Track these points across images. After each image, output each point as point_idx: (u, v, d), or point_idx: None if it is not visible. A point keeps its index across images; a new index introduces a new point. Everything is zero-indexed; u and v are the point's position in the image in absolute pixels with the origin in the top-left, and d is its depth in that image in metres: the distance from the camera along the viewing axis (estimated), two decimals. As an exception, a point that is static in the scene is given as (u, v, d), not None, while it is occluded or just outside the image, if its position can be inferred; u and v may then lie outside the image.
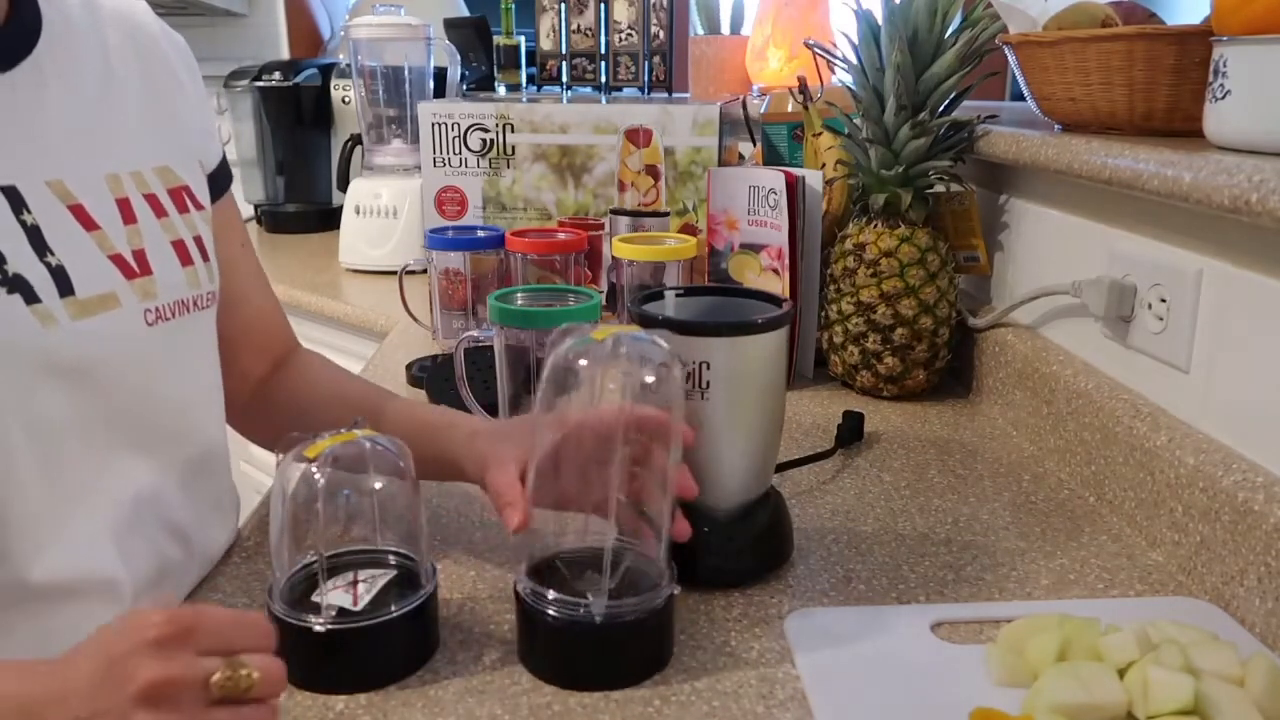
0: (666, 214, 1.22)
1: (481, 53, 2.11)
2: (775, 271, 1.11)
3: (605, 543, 0.60)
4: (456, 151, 1.26)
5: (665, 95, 1.80)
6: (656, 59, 1.81)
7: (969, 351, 1.11)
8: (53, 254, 0.59)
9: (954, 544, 0.76)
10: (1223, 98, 0.71)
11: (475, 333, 0.89)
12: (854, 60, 1.05)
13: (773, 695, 0.58)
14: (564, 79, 1.85)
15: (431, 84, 1.93)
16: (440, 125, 1.25)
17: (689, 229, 1.22)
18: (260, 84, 2.18)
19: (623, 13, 1.78)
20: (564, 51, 1.83)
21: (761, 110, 1.36)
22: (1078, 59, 0.86)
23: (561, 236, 1.15)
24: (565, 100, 1.48)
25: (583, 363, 0.60)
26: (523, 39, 1.95)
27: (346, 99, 2.17)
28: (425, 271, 1.26)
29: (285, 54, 2.50)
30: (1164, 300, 0.78)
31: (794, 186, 1.08)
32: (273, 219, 2.29)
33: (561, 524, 0.64)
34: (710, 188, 1.17)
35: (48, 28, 0.64)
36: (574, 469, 0.63)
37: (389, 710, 0.56)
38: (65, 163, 0.62)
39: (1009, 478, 0.89)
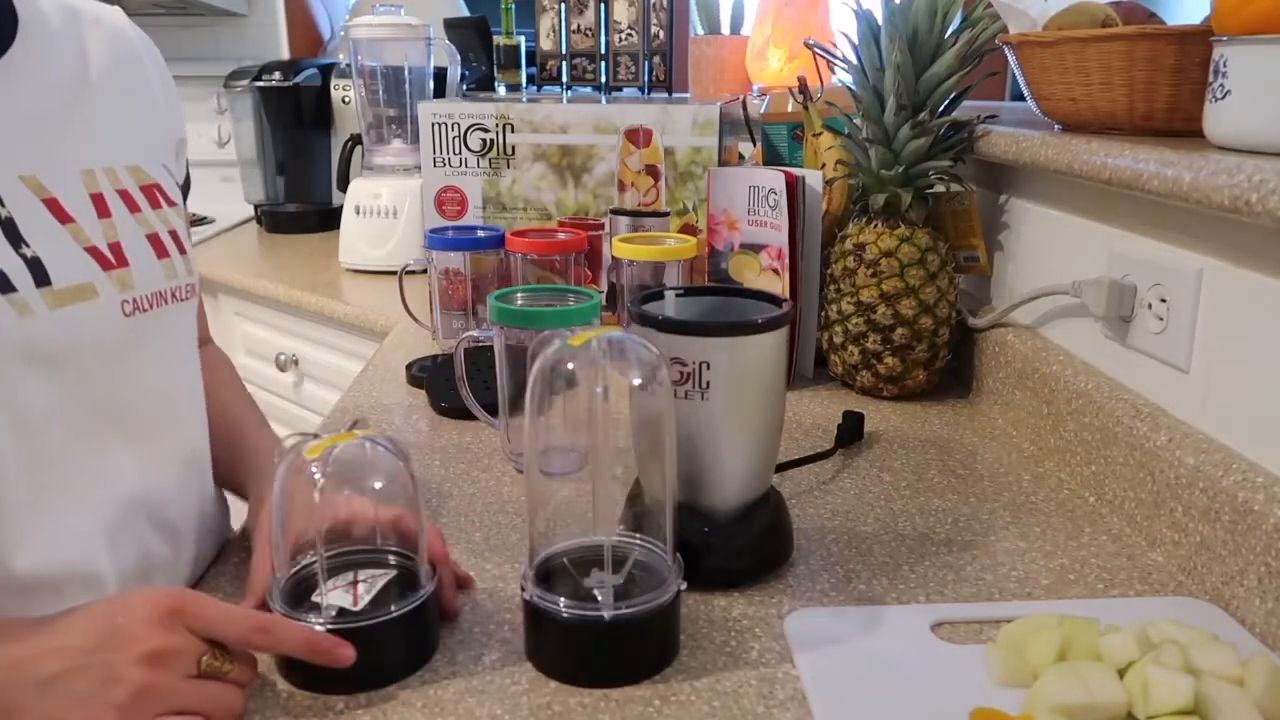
0: (666, 214, 1.22)
1: (481, 53, 2.11)
2: (775, 271, 1.11)
3: (606, 541, 0.60)
4: (456, 151, 1.26)
5: (665, 95, 1.80)
6: (656, 59, 1.81)
7: (969, 351, 1.11)
8: (28, 245, 0.60)
9: (954, 544, 0.76)
10: (1223, 98, 0.70)
11: (475, 333, 0.89)
12: (854, 60, 1.05)
13: (773, 695, 0.58)
14: (564, 79, 1.85)
15: (431, 84, 1.94)
16: (440, 125, 1.25)
17: (689, 229, 1.22)
18: (260, 84, 2.18)
19: (623, 13, 1.78)
20: (564, 51, 1.83)
21: (761, 110, 1.36)
22: (1078, 59, 0.86)
23: (561, 236, 1.15)
24: (565, 100, 1.48)
25: (570, 366, 0.60)
26: (523, 39, 1.95)
27: (346, 99, 2.18)
28: (425, 271, 1.26)
29: (285, 54, 2.50)
30: (1164, 300, 0.78)
31: (794, 186, 1.08)
32: (273, 219, 2.29)
33: (566, 523, 0.64)
34: (710, 188, 1.17)
35: (23, 29, 0.65)
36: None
37: (389, 710, 0.56)
38: (38, 158, 0.63)
39: (1009, 478, 0.89)
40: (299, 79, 2.19)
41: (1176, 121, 0.84)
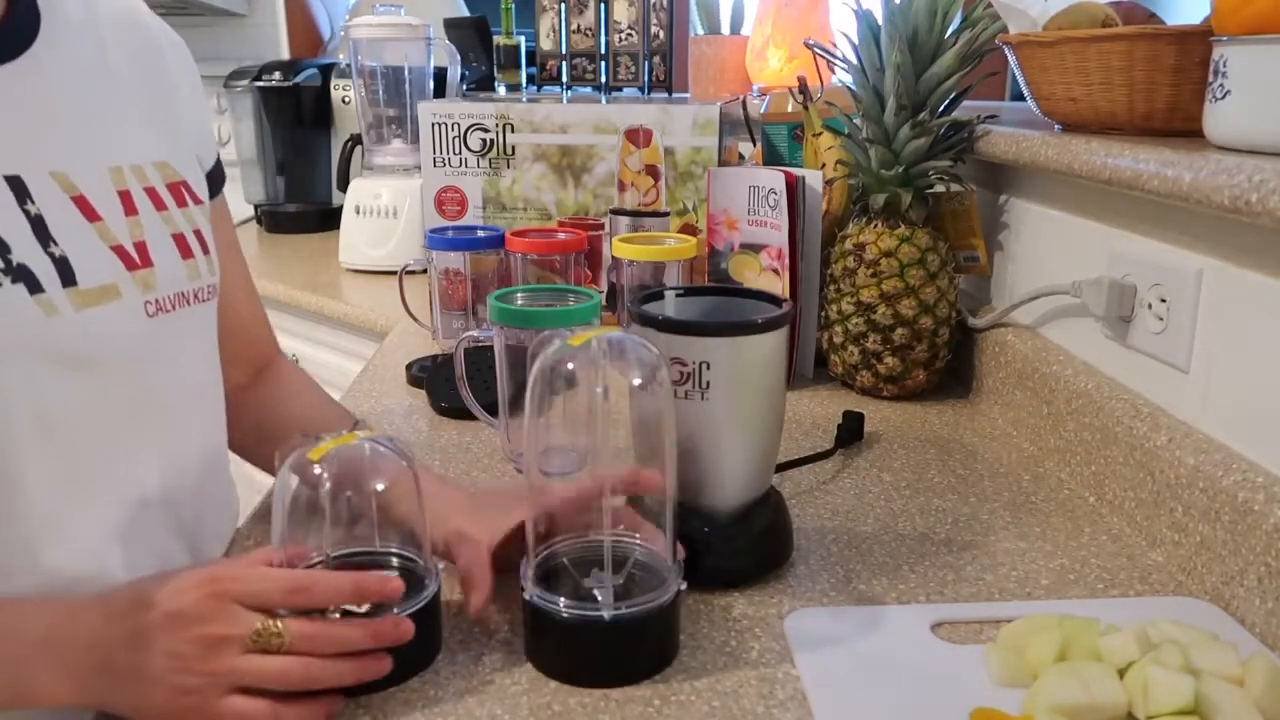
0: (666, 214, 1.22)
1: (481, 53, 2.11)
2: (775, 271, 1.11)
3: (606, 541, 0.60)
4: (456, 151, 1.26)
5: (665, 95, 1.80)
6: (656, 59, 1.81)
7: (969, 351, 1.11)
8: (56, 244, 0.60)
9: (954, 544, 0.76)
10: (1223, 98, 0.70)
11: (475, 333, 0.89)
12: (854, 60, 1.05)
13: (773, 695, 0.58)
14: (564, 79, 1.85)
15: (431, 84, 1.93)
16: (440, 125, 1.25)
17: (689, 229, 1.22)
18: (260, 84, 2.18)
19: (623, 13, 1.78)
20: (564, 51, 1.83)
21: (761, 110, 1.36)
22: (1078, 59, 0.86)
23: (561, 236, 1.15)
24: (565, 100, 1.48)
25: (570, 366, 0.60)
26: (523, 39, 1.95)
27: (346, 99, 2.17)
28: (425, 271, 1.26)
29: (285, 54, 2.50)
30: (1164, 300, 0.78)
31: (794, 186, 1.08)
32: (273, 219, 2.29)
33: (566, 524, 0.64)
34: (710, 188, 1.17)
35: (46, 23, 0.64)
36: (562, 532, 0.64)
37: (389, 710, 0.56)
38: (68, 154, 0.63)
39: (1009, 478, 0.89)
40: (299, 79, 2.19)
41: (1176, 121, 0.84)
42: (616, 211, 1.23)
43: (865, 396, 1.10)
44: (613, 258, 1.12)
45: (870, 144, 1.06)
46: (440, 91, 1.99)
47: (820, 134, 1.19)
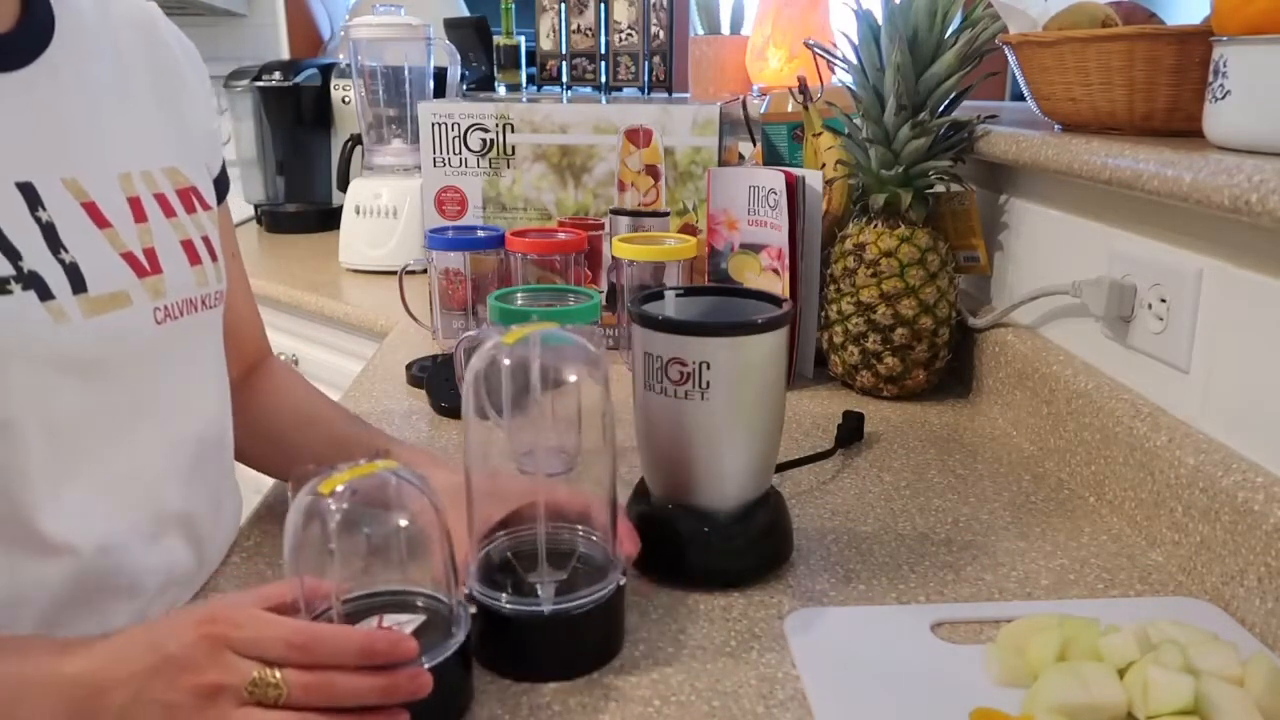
0: (666, 214, 1.21)
1: (481, 53, 2.11)
2: (775, 271, 1.11)
3: (539, 537, 0.61)
4: (456, 151, 1.26)
5: (665, 95, 1.80)
6: (656, 59, 1.81)
7: (969, 351, 1.11)
8: (66, 251, 0.60)
9: (954, 544, 0.76)
10: (1223, 98, 0.70)
11: (475, 333, 0.89)
12: (854, 60, 1.05)
13: (773, 695, 0.58)
14: (564, 79, 1.85)
15: (431, 84, 1.93)
16: (440, 125, 1.25)
17: (689, 229, 1.22)
18: (260, 84, 2.18)
19: (623, 13, 1.78)
20: (564, 51, 1.83)
21: (761, 110, 1.36)
22: (1078, 59, 0.86)
23: (561, 236, 1.14)
24: (565, 100, 1.48)
25: (506, 363, 0.60)
26: (523, 39, 1.95)
27: (346, 99, 2.17)
28: (425, 271, 1.26)
29: (285, 54, 2.50)
30: (1164, 300, 0.78)
31: (794, 186, 1.08)
32: (273, 219, 2.29)
33: (513, 520, 0.64)
34: (710, 188, 1.17)
35: (60, 27, 0.64)
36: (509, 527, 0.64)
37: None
38: (79, 160, 0.63)
39: (1009, 478, 0.89)
40: (299, 79, 2.19)
41: (1176, 121, 0.84)
42: (616, 211, 1.23)
43: (865, 396, 1.10)
44: (613, 258, 1.12)
45: (870, 144, 1.06)
46: (440, 91, 1.99)
47: (820, 134, 1.19)
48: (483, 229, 1.23)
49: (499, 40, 1.94)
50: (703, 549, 0.69)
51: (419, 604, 0.58)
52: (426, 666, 0.52)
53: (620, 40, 1.79)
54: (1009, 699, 0.56)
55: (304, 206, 2.29)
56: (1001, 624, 0.63)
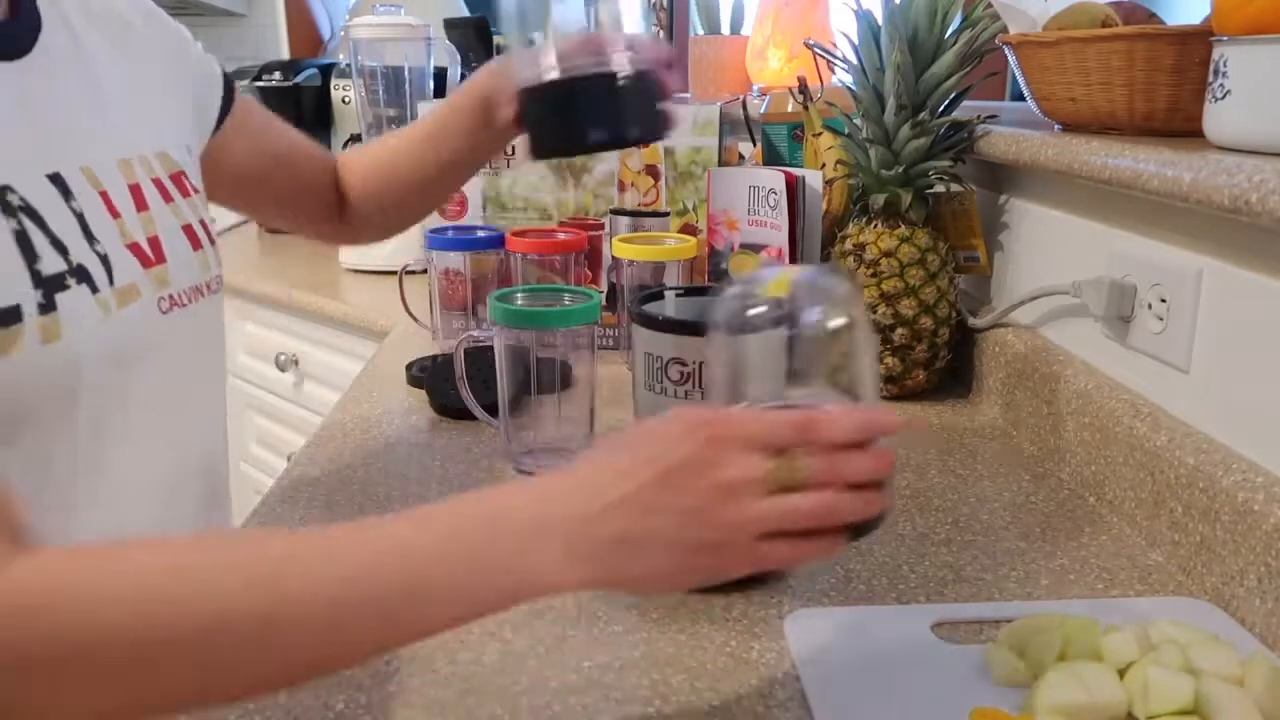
0: (666, 214, 1.22)
1: (481, 53, 2.11)
2: (775, 271, 1.11)
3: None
4: (456, 151, 1.25)
5: (665, 95, 1.80)
6: (656, 59, 1.80)
7: (969, 351, 1.11)
8: (98, 242, 0.59)
9: (954, 544, 0.76)
10: (1223, 98, 0.71)
11: (475, 333, 0.89)
12: (854, 60, 1.05)
13: (773, 695, 0.58)
14: (564, 79, 1.84)
15: (431, 84, 1.93)
16: (440, 125, 1.25)
17: (689, 229, 1.22)
18: (260, 84, 2.18)
19: (623, 13, 1.77)
20: (564, 51, 1.83)
21: (761, 110, 1.36)
22: (1078, 59, 0.86)
23: (561, 236, 1.15)
24: (565, 100, 1.48)
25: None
26: (523, 39, 1.94)
27: (346, 99, 2.17)
28: (425, 271, 1.26)
29: (285, 54, 2.50)
30: (1164, 300, 0.78)
31: (794, 186, 1.08)
32: (273, 219, 2.29)
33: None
34: (710, 188, 1.17)
35: (45, 15, 0.63)
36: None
37: (389, 711, 0.56)
38: (88, 149, 0.62)
39: (1009, 478, 0.89)
40: (299, 79, 2.19)
41: (1176, 121, 0.84)
42: (616, 211, 1.23)
43: (865, 396, 1.10)
44: (613, 258, 1.12)
45: (870, 144, 1.06)
46: (440, 91, 1.99)
47: (820, 134, 1.19)
48: (483, 229, 1.23)
49: (499, 40, 1.94)
50: (703, 549, 0.69)
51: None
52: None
53: (620, 40, 1.79)
54: (1009, 699, 0.56)
55: (304, 206, 2.29)
56: (1001, 624, 0.63)
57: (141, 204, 0.64)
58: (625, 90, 0.68)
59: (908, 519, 0.80)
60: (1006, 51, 0.97)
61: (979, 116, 1.06)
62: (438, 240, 1.19)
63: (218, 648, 0.42)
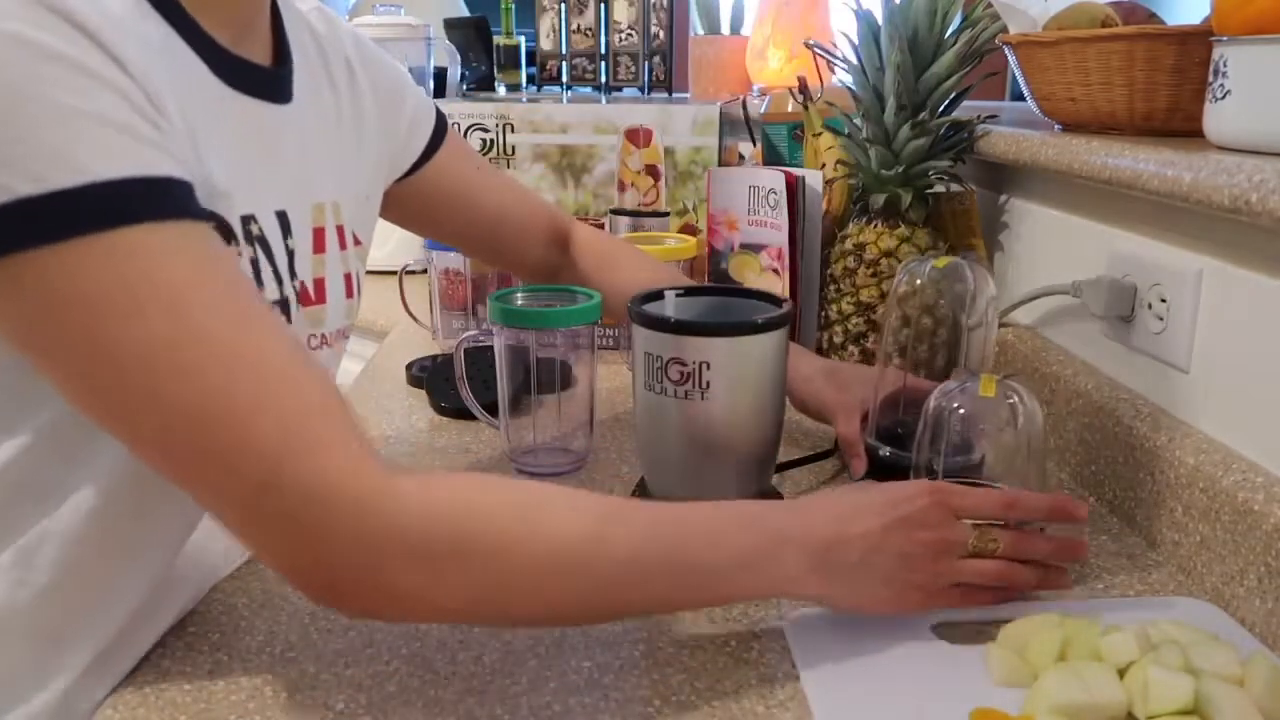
0: (666, 214, 1.22)
1: (481, 53, 2.11)
2: (775, 271, 1.11)
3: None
4: (456, 151, 1.25)
5: (665, 95, 1.80)
6: (656, 59, 1.81)
7: (969, 351, 1.11)
8: (296, 278, 0.63)
9: (954, 544, 0.76)
10: (1223, 98, 0.70)
11: (475, 333, 0.89)
12: (854, 60, 1.05)
13: (773, 695, 0.58)
14: (564, 79, 1.85)
15: (431, 84, 1.93)
16: (440, 125, 1.25)
17: (689, 229, 1.22)
18: (260, 84, 2.18)
19: (623, 13, 1.78)
20: (564, 51, 1.83)
21: (761, 110, 1.36)
22: (1078, 59, 0.86)
23: (561, 236, 1.14)
24: (565, 100, 1.48)
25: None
26: (523, 39, 1.95)
27: (347, 99, 2.17)
28: (425, 271, 1.26)
29: (285, 54, 2.50)
30: (1164, 300, 0.78)
31: (794, 186, 1.08)
32: (273, 219, 2.28)
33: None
34: (710, 188, 1.17)
35: (297, 62, 0.67)
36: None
37: (389, 711, 0.56)
38: (298, 191, 0.65)
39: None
40: (299, 79, 2.19)
41: (1176, 121, 0.84)
42: (616, 211, 1.23)
43: (865, 396, 1.10)
44: (613, 258, 1.12)
45: (870, 144, 1.06)
46: (440, 91, 1.99)
47: (820, 134, 1.19)
48: (483, 229, 1.23)
49: (499, 40, 1.94)
50: (703, 549, 0.69)
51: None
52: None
53: (620, 40, 1.79)
54: (1009, 699, 0.56)
55: (304, 206, 2.29)
56: (1001, 624, 0.63)
57: (319, 247, 0.68)
58: None
59: (908, 519, 0.80)
60: (1006, 51, 0.97)
61: (979, 116, 1.06)
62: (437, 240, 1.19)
63: (597, 574, 0.55)
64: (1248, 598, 0.64)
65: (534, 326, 0.85)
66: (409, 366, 1.15)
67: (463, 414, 0.98)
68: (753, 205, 1.12)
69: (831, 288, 1.10)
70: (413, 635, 0.63)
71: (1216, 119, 0.72)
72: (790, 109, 1.31)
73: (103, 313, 0.47)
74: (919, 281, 0.84)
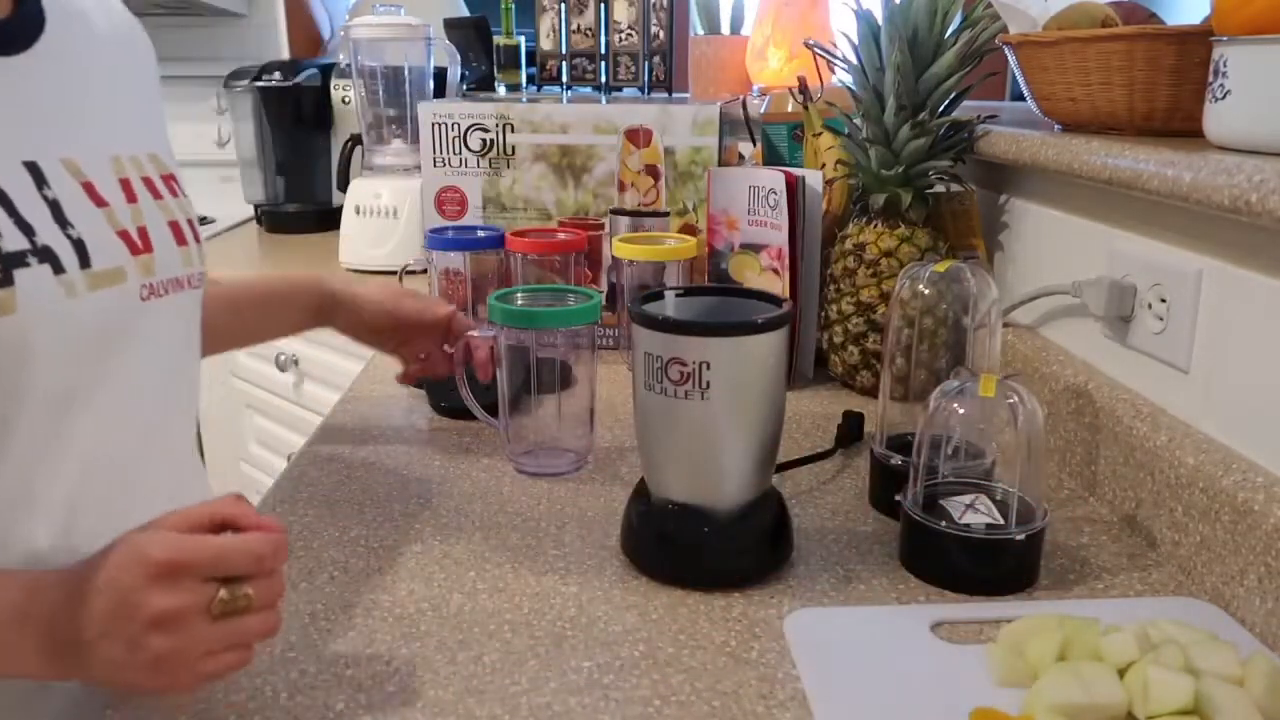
0: (666, 214, 1.21)
1: (481, 53, 2.11)
2: (775, 271, 1.11)
3: None
4: (456, 151, 1.26)
5: (665, 95, 1.80)
6: (656, 59, 1.81)
7: (969, 351, 1.11)
8: (72, 227, 0.62)
9: (954, 544, 0.76)
10: (1223, 98, 0.70)
11: (475, 333, 0.89)
12: (854, 60, 1.05)
13: (773, 695, 0.58)
14: (564, 79, 1.85)
15: (431, 84, 1.93)
16: (440, 125, 1.25)
17: (689, 229, 1.22)
18: (260, 84, 2.18)
19: (623, 13, 1.78)
20: (564, 51, 1.83)
21: (761, 110, 1.36)
22: (1078, 59, 0.86)
23: (561, 236, 1.14)
24: (565, 100, 1.48)
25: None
26: (523, 39, 1.95)
27: (346, 99, 2.17)
28: (425, 271, 1.26)
29: (285, 54, 2.50)
30: (1164, 300, 0.78)
31: (794, 186, 1.08)
32: (273, 219, 2.29)
33: None
34: (710, 188, 1.17)
35: (50, 14, 0.67)
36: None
37: (389, 711, 0.56)
38: (75, 142, 0.65)
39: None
40: (299, 79, 2.19)
41: (1176, 121, 0.84)
42: (616, 211, 1.23)
43: (865, 396, 1.10)
44: (613, 258, 1.12)
45: (870, 144, 1.06)
46: (440, 91, 1.99)
47: (820, 134, 1.19)
48: (483, 229, 1.23)
49: (499, 40, 1.94)
50: (703, 549, 0.69)
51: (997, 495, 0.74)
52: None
53: (620, 40, 1.79)
54: (1009, 699, 0.56)
55: (304, 207, 2.29)
56: (1001, 624, 0.63)
57: (131, 197, 0.68)
58: None
59: (908, 519, 0.80)
60: (1006, 51, 0.97)
61: (979, 116, 1.06)
62: (438, 240, 1.19)
63: None
64: (1248, 598, 0.64)
65: (534, 326, 0.85)
66: (409, 366, 1.15)
67: (463, 414, 0.98)
68: (753, 205, 1.12)
69: (831, 288, 1.10)
70: (413, 635, 0.63)
71: (1216, 119, 0.72)
72: (790, 109, 1.31)
73: None
74: (920, 286, 0.84)
